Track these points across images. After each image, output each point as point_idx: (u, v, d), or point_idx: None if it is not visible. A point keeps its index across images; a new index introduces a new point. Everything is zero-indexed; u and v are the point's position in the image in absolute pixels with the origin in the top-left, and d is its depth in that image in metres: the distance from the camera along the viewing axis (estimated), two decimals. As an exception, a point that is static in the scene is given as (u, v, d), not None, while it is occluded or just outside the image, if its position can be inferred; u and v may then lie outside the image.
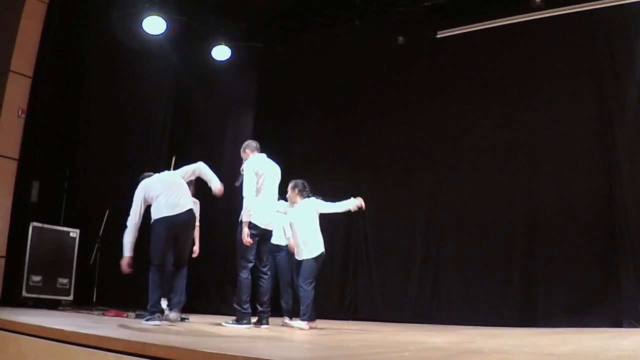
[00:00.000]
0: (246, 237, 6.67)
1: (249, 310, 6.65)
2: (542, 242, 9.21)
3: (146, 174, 6.83)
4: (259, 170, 6.86)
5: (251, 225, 6.72)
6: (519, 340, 5.59)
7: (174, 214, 6.43)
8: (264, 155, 7.19)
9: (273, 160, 7.28)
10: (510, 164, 9.78)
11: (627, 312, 8.19)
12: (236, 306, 6.64)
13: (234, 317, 6.70)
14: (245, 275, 6.66)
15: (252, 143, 7.25)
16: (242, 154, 7.19)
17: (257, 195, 6.80)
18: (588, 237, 8.89)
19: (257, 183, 6.82)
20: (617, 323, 8.22)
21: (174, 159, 8.39)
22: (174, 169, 8.27)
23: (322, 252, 7.27)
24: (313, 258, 7.18)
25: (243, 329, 6.35)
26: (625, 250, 8.41)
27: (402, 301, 10.31)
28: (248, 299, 6.63)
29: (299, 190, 7.49)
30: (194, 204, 8.40)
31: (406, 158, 10.83)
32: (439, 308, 9.97)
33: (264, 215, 6.83)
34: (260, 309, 6.74)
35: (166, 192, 6.47)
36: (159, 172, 6.95)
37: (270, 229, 6.97)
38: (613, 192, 8.71)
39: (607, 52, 9.09)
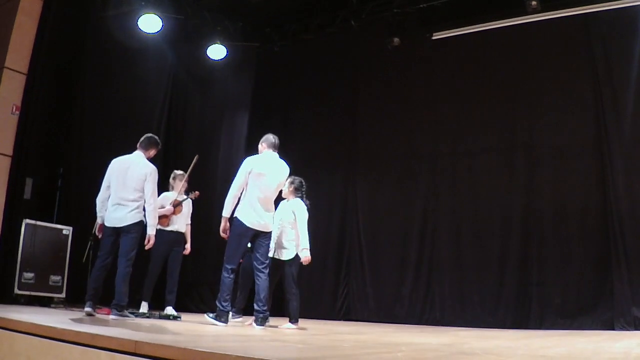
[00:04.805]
0: (221, 231, 6.76)
1: (228, 309, 6.68)
2: (536, 245, 9.23)
3: None
4: (255, 169, 6.75)
5: (238, 224, 6.71)
6: (511, 343, 5.59)
7: None
8: (274, 154, 7.02)
9: (284, 160, 7.13)
10: (506, 166, 9.81)
11: (620, 316, 8.23)
12: (217, 303, 6.70)
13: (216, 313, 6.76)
14: (226, 274, 6.65)
15: (270, 138, 7.08)
16: (259, 147, 7.10)
17: (248, 194, 6.73)
18: (582, 241, 8.92)
19: (250, 182, 6.74)
20: (609, 326, 8.26)
21: (196, 158, 8.35)
22: (193, 169, 8.30)
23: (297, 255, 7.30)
24: (292, 258, 7.25)
25: (219, 325, 6.43)
26: (618, 254, 8.44)
27: (395, 302, 10.31)
28: (228, 298, 6.63)
29: (295, 188, 7.43)
30: (186, 203, 8.45)
31: (401, 159, 10.86)
32: (432, 309, 9.98)
33: (253, 215, 6.71)
34: (255, 307, 6.70)
35: None
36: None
37: (261, 229, 6.77)
38: (608, 197, 8.73)
39: (603, 56, 9.11)
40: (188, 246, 8.45)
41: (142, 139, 7.07)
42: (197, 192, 8.37)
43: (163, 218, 7.96)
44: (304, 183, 7.54)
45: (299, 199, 7.45)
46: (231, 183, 6.82)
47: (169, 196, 8.25)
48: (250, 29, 11.67)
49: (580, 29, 9.38)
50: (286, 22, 11.57)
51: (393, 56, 10.83)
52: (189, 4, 10.80)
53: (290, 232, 7.28)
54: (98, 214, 6.92)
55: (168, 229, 8.14)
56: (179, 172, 8.51)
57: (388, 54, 10.79)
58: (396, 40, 10.53)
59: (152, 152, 7.05)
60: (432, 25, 10.39)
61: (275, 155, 7.04)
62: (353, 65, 11.59)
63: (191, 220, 8.58)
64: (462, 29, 10.14)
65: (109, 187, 6.83)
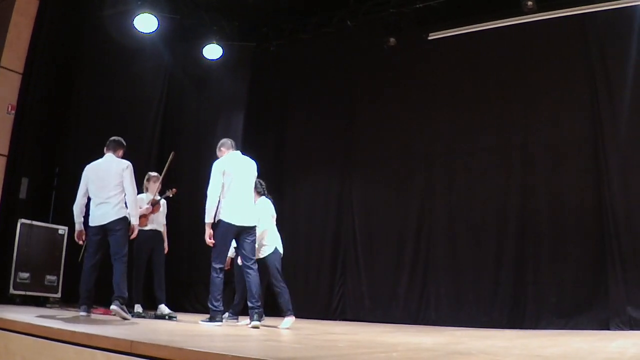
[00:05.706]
0: (207, 238, 6.86)
1: (221, 309, 6.80)
2: (532, 244, 9.22)
3: None
4: (227, 169, 6.90)
5: (221, 224, 6.82)
6: (507, 342, 5.60)
7: None
8: (237, 152, 7.21)
9: (251, 157, 7.29)
10: (502, 166, 9.78)
11: (615, 316, 8.22)
12: (209, 304, 6.81)
13: (209, 315, 6.83)
14: (215, 274, 6.80)
15: (227, 141, 7.26)
16: (218, 153, 7.23)
17: (226, 194, 6.85)
18: (578, 241, 8.91)
19: (225, 182, 6.86)
20: (604, 326, 8.26)
21: (172, 155, 8.37)
22: (169, 167, 8.30)
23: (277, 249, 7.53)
24: (272, 253, 7.42)
25: (214, 326, 6.47)
26: (614, 254, 8.43)
27: (391, 302, 10.29)
28: (219, 297, 6.77)
29: (256, 190, 7.59)
30: (161, 204, 8.44)
31: (397, 158, 10.83)
32: (427, 309, 9.96)
33: (234, 212, 6.84)
34: (249, 305, 6.72)
35: None
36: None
37: (244, 224, 6.87)
38: (603, 197, 8.72)
39: (599, 55, 9.09)
40: (166, 246, 8.47)
41: (108, 142, 7.20)
42: (174, 189, 8.38)
43: (142, 218, 7.91)
44: (262, 182, 7.78)
45: (264, 197, 7.74)
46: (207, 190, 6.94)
47: (144, 199, 8.18)
48: (246, 29, 11.66)
49: (577, 29, 9.36)
50: (283, 21, 11.56)
51: (389, 56, 10.80)
52: (185, 3, 10.80)
53: (264, 231, 7.46)
54: (76, 221, 6.99)
55: (147, 228, 8.12)
56: (153, 173, 8.53)
57: (384, 53, 10.77)
58: (392, 40, 10.52)
59: (120, 153, 7.18)
60: (429, 25, 10.38)
61: (238, 152, 7.24)
62: (349, 65, 11.57)
63: (186, 220, 8.58)
64: (458, 29, 10.13)
65: (85, 194, 6.96)
